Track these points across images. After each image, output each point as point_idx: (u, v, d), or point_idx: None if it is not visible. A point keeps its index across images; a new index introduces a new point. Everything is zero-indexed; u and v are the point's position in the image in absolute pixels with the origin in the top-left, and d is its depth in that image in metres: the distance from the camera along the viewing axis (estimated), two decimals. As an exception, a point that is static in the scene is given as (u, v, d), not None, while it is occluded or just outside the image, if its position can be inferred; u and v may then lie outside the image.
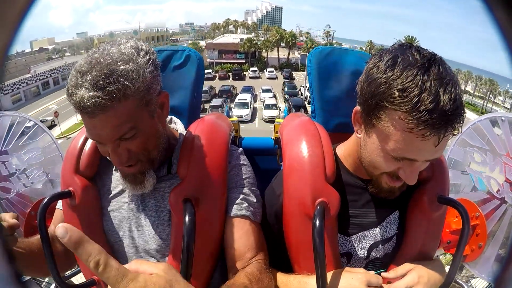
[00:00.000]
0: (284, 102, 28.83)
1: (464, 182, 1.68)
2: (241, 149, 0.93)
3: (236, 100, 27.45)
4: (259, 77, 40.79)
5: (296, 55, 49.95)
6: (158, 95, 0.74)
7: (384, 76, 0.63)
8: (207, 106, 24.04)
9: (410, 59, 0.62)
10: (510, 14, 0.36)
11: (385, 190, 0.76)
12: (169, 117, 0.96)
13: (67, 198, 0.81)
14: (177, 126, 0.94)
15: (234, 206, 0.81)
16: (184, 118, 1.03)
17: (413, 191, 0.83)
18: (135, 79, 0.65)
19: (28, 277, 1.64)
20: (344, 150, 0.86)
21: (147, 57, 0.69)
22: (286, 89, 32.11)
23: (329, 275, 0.72)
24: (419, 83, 0.59)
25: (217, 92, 30.47)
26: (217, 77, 38.19)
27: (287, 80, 37.64)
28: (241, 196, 0.83)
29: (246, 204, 0.82)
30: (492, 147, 1.58)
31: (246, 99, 26.94)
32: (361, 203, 0.82)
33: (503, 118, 1.54)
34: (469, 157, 1.66)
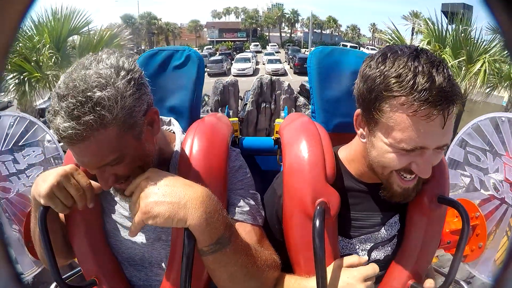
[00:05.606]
0: (289, 64, 28.01)
1: (464, 182, 1.68)
2: (238, 150, 0.93)
3: (237, 57, 26.61)
4: (261, 52, 39.98)
5: (298, 34, 49.04)
6: (144, 114, 0.69)
7: (378, 70, 0.66)
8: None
9: (399, 52, 0.66)
10: (510, 14, 0.36)
11: (399, 194, 0.73)
12: (168, 118, 0.96)
13: None
14: (174, 128, 0.92)
15: (236, 209, 0.81)
16: (184, 118, 1.03)
17: None
18: (112, 107, 0.61)
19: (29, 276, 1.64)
20: (347, 154, 0.84)
21: (128, 78, 0.64)
22: (289, 51, 31.77)
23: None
24: (412, 68, 0.62)
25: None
26: (218, 53, 36.06)
27: (290, 47, 37.84)
28: (242, 200, 0.83)
29: (248, 208, 0.82)
30: (492, 147, 1.58)
31: (247, 55, 26.22)
32: (363, 207, 0.82)
33: (503, 118, 1.54)
34: (469, 157, 1.66)
